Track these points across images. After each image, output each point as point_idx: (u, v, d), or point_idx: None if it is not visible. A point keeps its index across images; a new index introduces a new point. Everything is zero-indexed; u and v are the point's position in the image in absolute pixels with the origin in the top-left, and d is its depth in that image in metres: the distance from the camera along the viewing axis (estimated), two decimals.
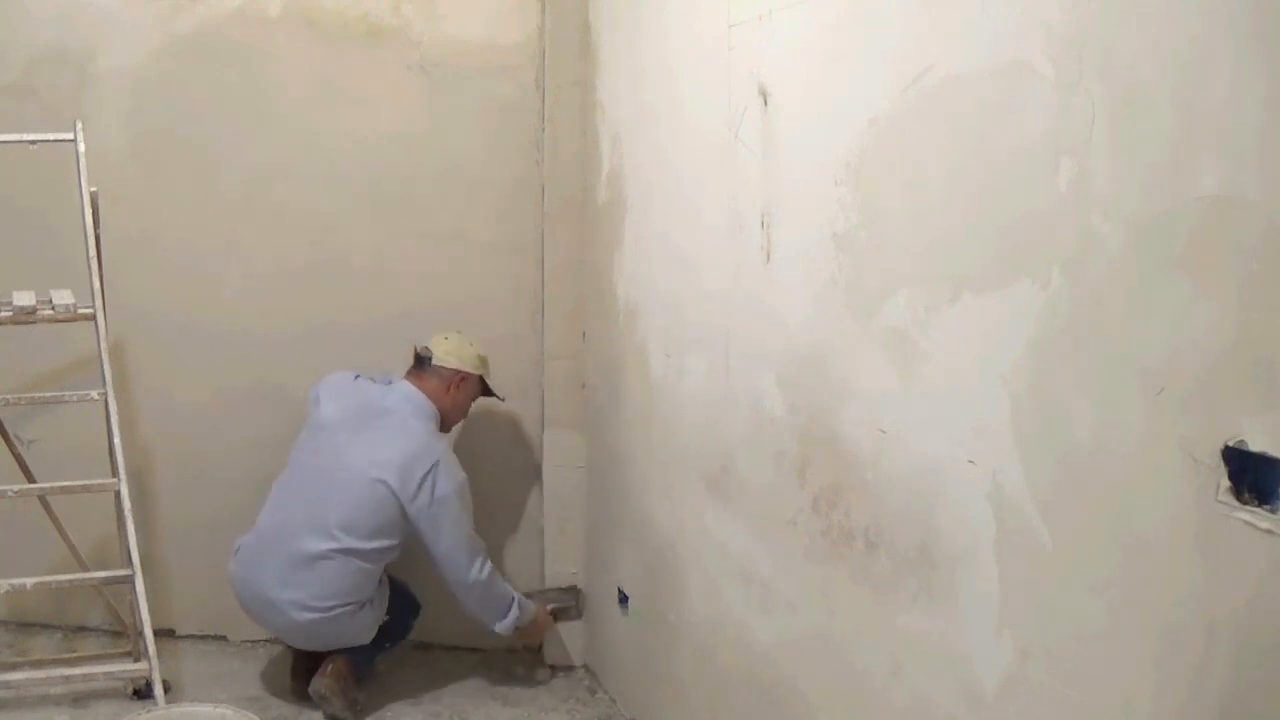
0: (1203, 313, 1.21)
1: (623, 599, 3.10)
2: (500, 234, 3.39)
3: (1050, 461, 1.45)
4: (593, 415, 3.31)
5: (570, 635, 3.45)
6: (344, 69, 3.30)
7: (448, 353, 3.13)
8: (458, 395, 3.14)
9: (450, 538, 2.99)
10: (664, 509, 2.78)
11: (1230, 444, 1.17)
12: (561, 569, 3.44)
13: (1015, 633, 1.52)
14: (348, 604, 2.95)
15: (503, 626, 3.13)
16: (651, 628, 2.91)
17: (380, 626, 3.11)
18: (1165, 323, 1.26)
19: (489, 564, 3.07)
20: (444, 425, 3.13)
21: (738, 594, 2.38)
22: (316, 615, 2.93)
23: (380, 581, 3.07)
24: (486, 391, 3.22)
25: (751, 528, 2.31)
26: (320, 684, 3.01)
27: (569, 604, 3.40)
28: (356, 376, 3.17)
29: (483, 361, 3.18)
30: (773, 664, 2.23)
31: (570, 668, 3.45)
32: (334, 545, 2.91)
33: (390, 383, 3.14)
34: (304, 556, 2.93)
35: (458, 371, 3.12)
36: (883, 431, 1.82)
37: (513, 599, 3.13)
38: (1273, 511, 1.14)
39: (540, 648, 3.46)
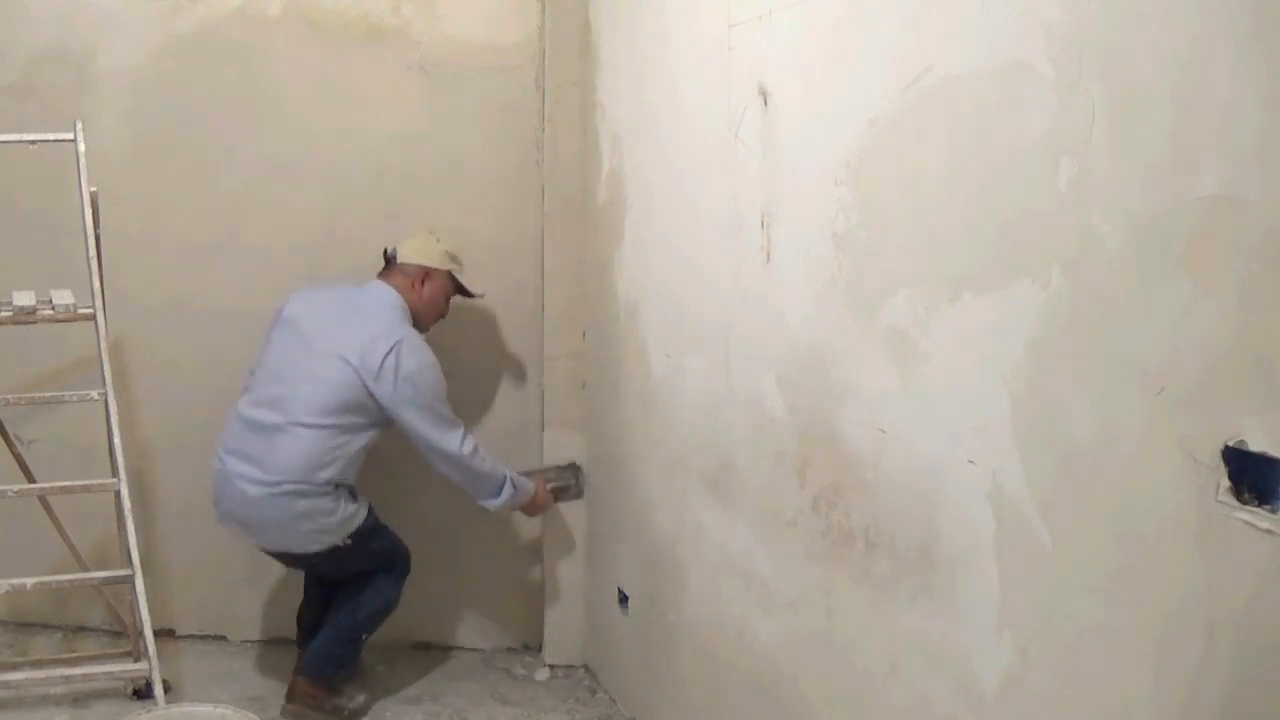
0: (1203, 313, 1.21)
1: (623, 599, 3.10)
2: (500, 234, 3.39)
3: (1050, 461, 1.45)
4: (593, 415, 3.31)
5: (570, 635, 3.45)
6: (344, 69, 3.30)
7: (413, 250, 3.08)
8: (425, 292, 3.07)
9: (421, 417, 2.92)
10: (664, 509, 2.78)
11: (1230, 444, 1.18)
12: (562, 569, 3.44)
13: (1015, 633, 1.53)
14: (301, 484, 2.86)
15: (494, 504, 3.08)
16: (651, 628, 2.91)
17: (362, 584, 3.05)
18: (1165, 323, 1.26)
19: (471, 440, 2.99)
20: (419, 324, 3.05)
21: (738, 594, 2.38)
22: (267, 490, 2.85)
23: (347, 489, 2.96)
24: (461, 289, 3.17)
25: (751, 527, 2.31)
26: (287, 711, 3.02)
27: (569, 482, 3.35)
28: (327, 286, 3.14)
29: (450, 257, 3.11)
30: (773, 664, 2.24)
31: (570, 667, 3.45)
32: (291, 420, 2.87)
33: (361, 286, 3.09)
34: (261, 427, 2.89)
35: (422, 267, 3.06)
36: (883, 431, 1.82)
37: (504, 477, 3.07)
38: (1273, 511, 1.14)
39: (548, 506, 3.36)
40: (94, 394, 2.92)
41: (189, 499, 3.41)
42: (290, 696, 3.04)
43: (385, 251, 3.11)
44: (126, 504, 2.88)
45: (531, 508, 3.25)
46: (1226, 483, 1.18)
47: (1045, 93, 1.42)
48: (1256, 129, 1.14)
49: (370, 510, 3.02)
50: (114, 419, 2.90)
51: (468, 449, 2.98)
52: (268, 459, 2.87)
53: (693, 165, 2.51)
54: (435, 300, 3.11)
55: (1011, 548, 1.53)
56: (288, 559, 3.09)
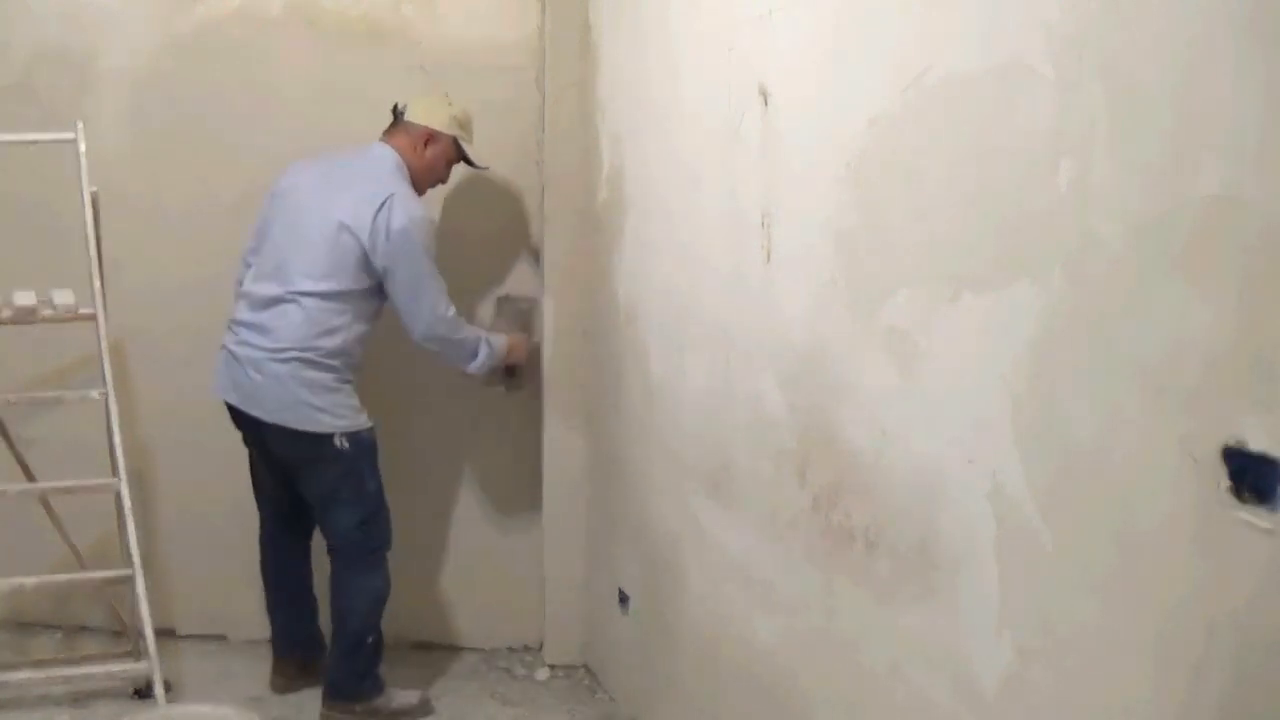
0: (1203, 313, 1.21)
1: (623, 599, 3.10)
2: (500, 234, 3.39)
3: (1050, 461, 1.45)
4: (593, 415, 3.31)
5: (570, 635, 3.45)
6: (344, 69, 3.30)
7: (423, 110, 3.02)
8: (427, 155, 3.00)
9: (408, 274, 2.87)
10: (664, 509, 2.78)
11: (1230, 444, 1.17)
12: (562, 569, 3.44)
13: (1015, 633, 1.53)
14: (305, 351, 2.84)
15: (474, 366, 3.05)
16: (651, 628, 2.91)
17: (339, 590, 2.99)
18: (1165, 323, 1.26)
19: (452, 306, 2.96)
20: (416, 187, 3.00)
21: (738, 594, 2.38)
22: (271, 357, 2.84)
23: (351, 383, 2.94)
24: (465, 158, 3.10)
25: (752, 527, 2.31)
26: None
27: (525, 307, 3.35)
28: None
29: (458, 123, 3.03)
30: (773, 663, 2.24)
31: (570, 667, 3.45)
32: (293, 289, 2.86)
33: (361, 148, 3.05)
34: (265, 301, 2.89)
35: (427, 129, 3.00)
36: (883, 431, 1.82)
37: (479, 339, 3.05)
38: (1273, 511, 1.13)
39: (515, 375, 3.33)
40: (94, 394, 2.93)
41: (189, 499, 3.41)
42: (275, 676, 3.13)
43: (395, 107, 3.06)
44: (127, 504, 2.88)
45: (512, 357, 3.20)
46: (1226, 483, 1.18)
47: (1045, 93, 1.42)
48: (1256, 129, 1.14)
49: (375, 441, 2.97)
50: (114, 419, 2.90)
51: (452, 312, 2.96)
52: (273, 329, 2.86)
53: (693, 164, 2.51)
54: (436, 165, 3.04)
55: (1011, 548, 1.53)
56: (276, 461, 3.01)
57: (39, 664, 3.18)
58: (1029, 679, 1.50)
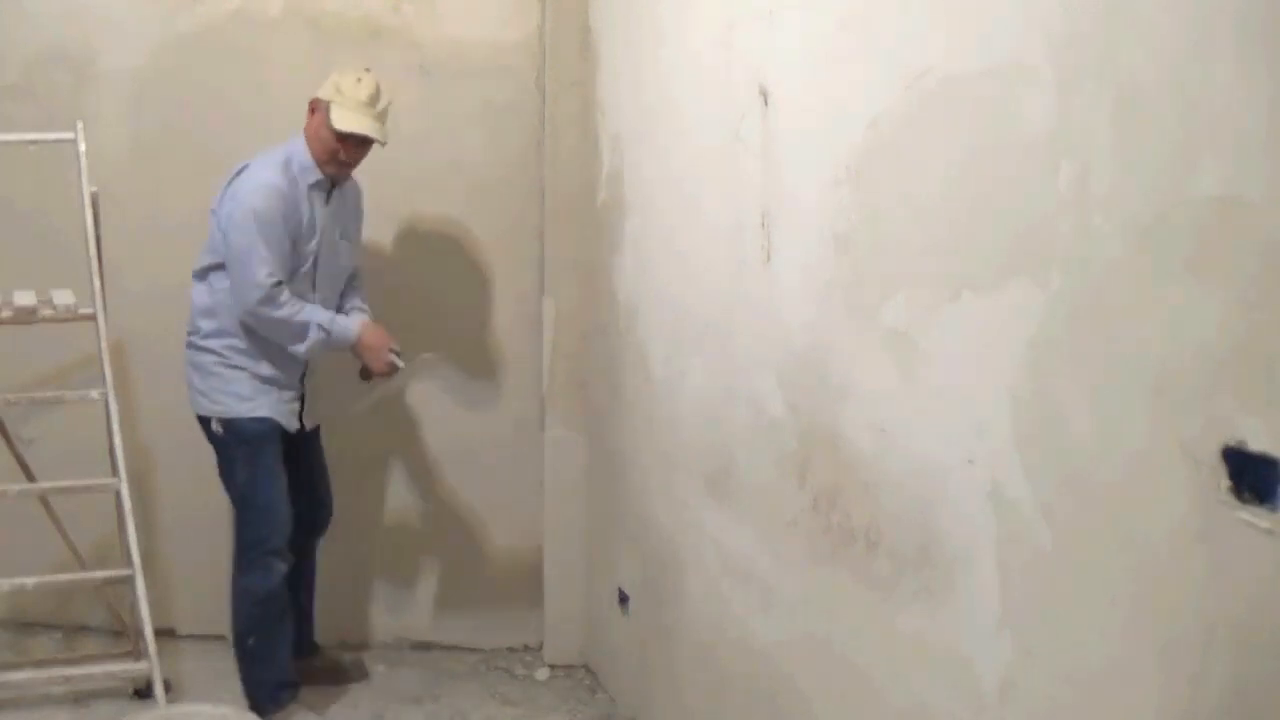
0: (1203, 313, 1.21)
1: (623, 599, 3.10)
2: (500, 234, 3.39)
3: (1050, 461, 1.45)
4: (593, 415, 3.31)
5: (570, 635, 3.45)
6: None
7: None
8: (311, 122, 2.89)
9: (234, 238, 2.79)
10: (664, 509, 2.78)
11: (1230, 444, 1.17)
12: (562, 569, 3.44)
13: (1015, 633, 1.53)
14: (193, 334, 2.93)
15: (301, 349, 2.87)
16: (651, 628, 2.91)
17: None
18: (1165, 323, 1.26)
19: (274, 279, 2.79)
20: (317, 160, 2.87)
21: (738, 594, 2.38)
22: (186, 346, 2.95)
23: (242, 370, 2.89)
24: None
25: (751, 528, 2.31)
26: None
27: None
28: None
29: (336, 89, 2.83)
30: (773, 664, 2.24)
31: (570, 667, 3.45)
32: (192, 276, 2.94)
33: None
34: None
35: (313, 99, 2.90)
36: (883, 431, 1.82)
37: (309, 322, 2.84)
38: (1273, 511, 1.13)
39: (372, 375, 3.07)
40: (94, 394, 2.92)
41: (189, 499, 3.41)
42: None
43: None
44: (127, 504, 2.88)
45: (361, 349, 2.95)
46: (1226, 483, 1.18)
47: (1045, 93, 1.42)
48: (1257, 129, 1.14)
49: (262, 436, 2.90)
50: (114, 419, 2.90)
51: (269, 284, 2.78)
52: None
53: (693, 165, 2.51)
54: (319, 132, 2.86)
55: (1011, 548, 1.53)
56: None
57: (39, 664, 3.18)
58: (1029, 679, 1.50)
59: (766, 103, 2.15)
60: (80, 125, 2.94)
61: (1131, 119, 1.30)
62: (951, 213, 1.63)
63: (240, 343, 2.90)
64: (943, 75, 1.63)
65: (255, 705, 2.96)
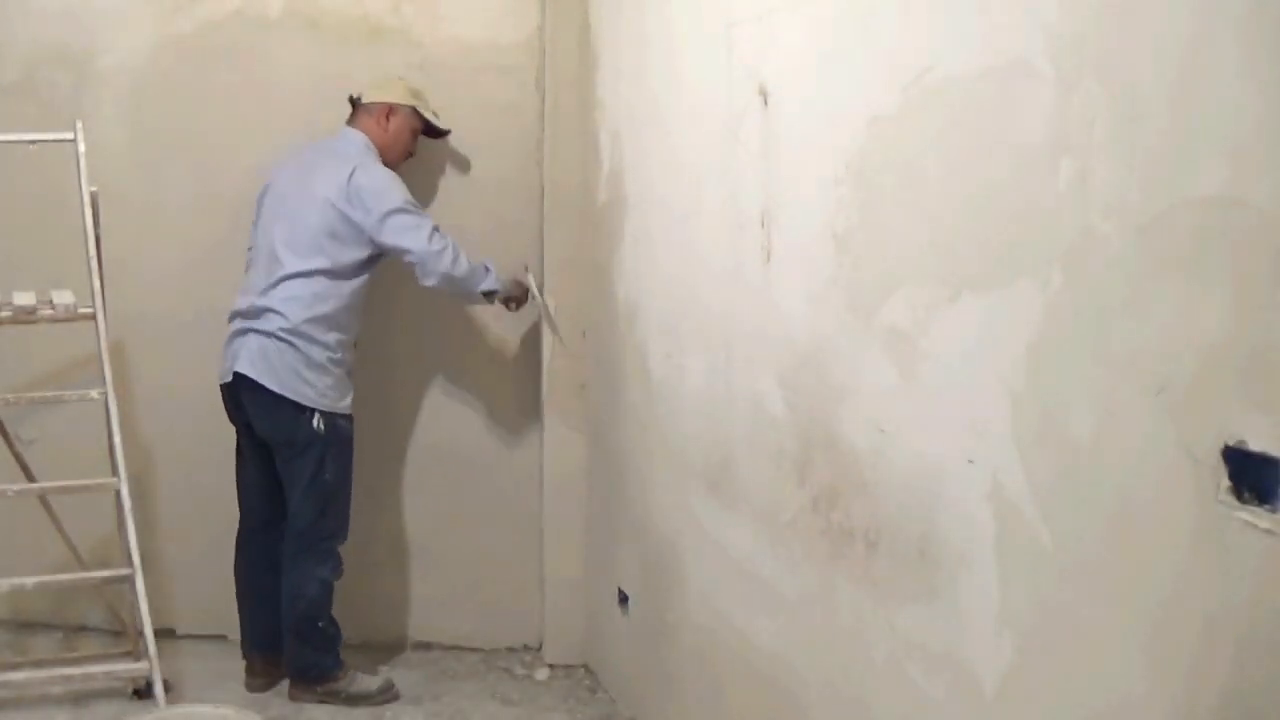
0: (1202, 313, 1.21)
1: (623, 599, 3.10)
2: (500, 234, 3.39)
3: (1050, 461, 1.45)
4: (593, 415, 3.31)
5: (570, 635, 3.45)
6: (344, 69, 3.30)
7: (376, 90, 3.16)
8: (391, 128, 3.13)
9: (398, 226, 2.98)
10: (664, 509, 2.78)
11: (1230, 444, 1.17)
12: (562, 569, 3.44)
13: (1015, 633, 1.52)
14: (297, 329, 2.95)
15: (488, 284, 3.11)
16: (651, 628, 2.91)
17: (292, 574, 3.06)
18: (1165, 323, 1.26)
19: (445, 237, 3.02)
20: (387, 162, 3.12)
21: (738, 594, 2.38)
22: (270, 337, 2.96)
23: (344, 368, 3.05)
24: (428, 128, 3.21)
25: (751, 527, 2.31)
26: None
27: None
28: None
29: (413, 93, 3.16)
30: (772, 663, 2.23)
31: (570, 667, 3.45)
32: (286, 270, 2.97)
33: (333, 134, 3.17)
34: (262, 288, 3.00)
35: (385, 104, 3.13)
36: (882, 431, 1.82)
37: (481, 263, 3.11)
38: (1273, 511, 1.13)
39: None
40: (94, 394, 2.92)
41: (189, 499, 3.41)
42: (249, 677, 3.17)
43: (351, 97, 3.17)
44: (126, 504, 2.88)
45: (514, 287, 3.23)
46: (1226, 483, 1.18)
47: (1045, 93, 1.42)
48: (1256, 129, 1.14)
49: (351, 433, 3.08)
50: (114, 419, 2.90)
51: (445, 239, 3.01)
52: (273, 309, 2.97)
53: (693, 164, 2.51)
54: (401, 135, 3.15)
55: (1011, 548, 1.53)
56: (261, 444, 3.08)
57: (39, 664, 3.18)
58: (1029, 679, 1.50)
59: (766, 102, 2.15)
60: (80, 125, 2.93)
61: (1131, 119, 1.30)
62: (951, 212, 1.63)
63: (348, 338, 3.06)
64: (942, 74, 1.63)
65: (318, 679, 3.10)
